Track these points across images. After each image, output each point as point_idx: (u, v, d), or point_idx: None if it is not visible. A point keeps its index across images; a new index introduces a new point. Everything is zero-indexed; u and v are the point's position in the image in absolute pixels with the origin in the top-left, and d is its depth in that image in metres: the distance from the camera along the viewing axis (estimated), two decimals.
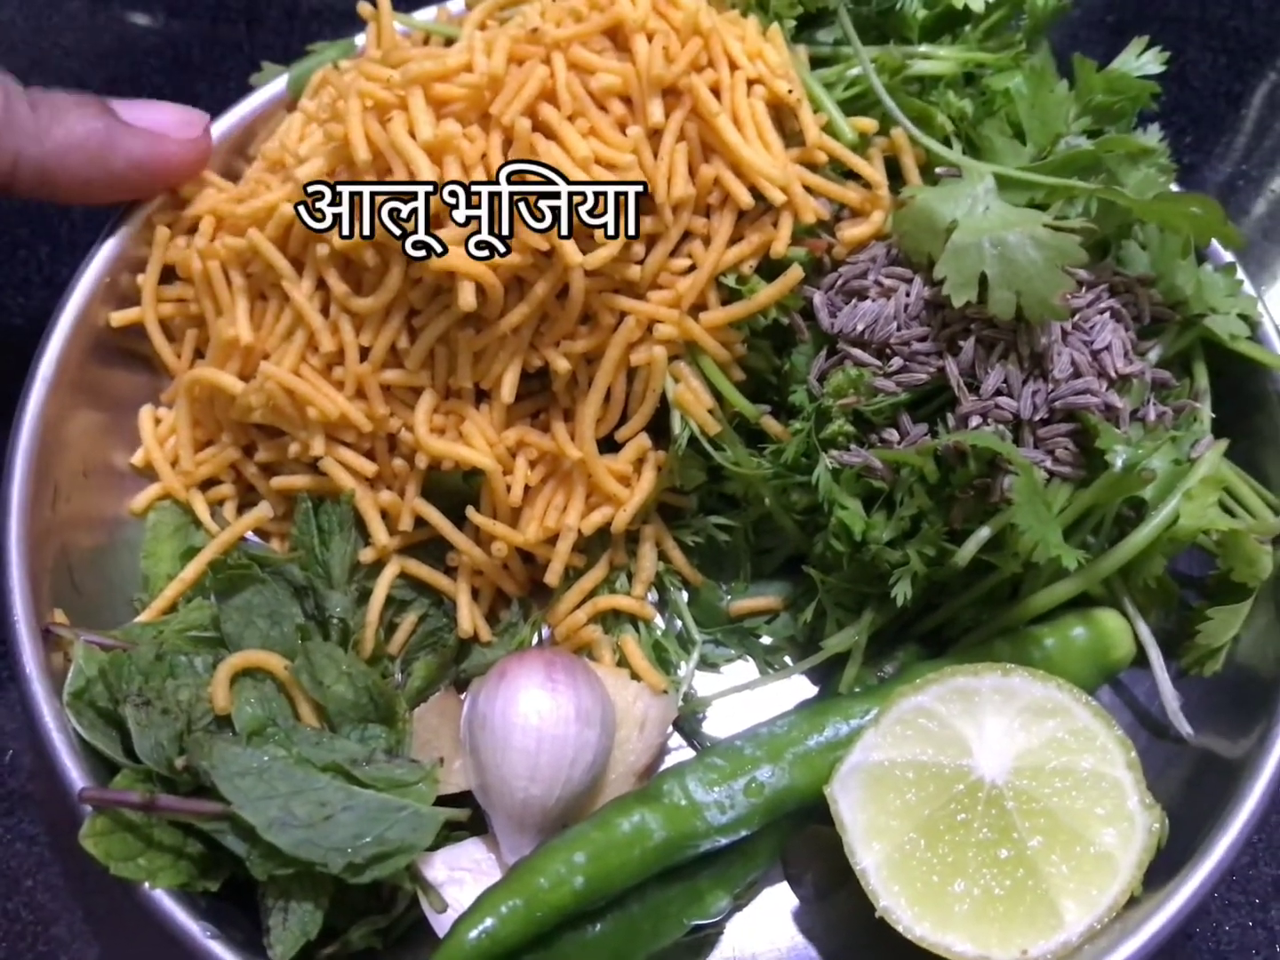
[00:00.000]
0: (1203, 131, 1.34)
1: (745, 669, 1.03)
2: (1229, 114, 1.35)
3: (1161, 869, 0.85)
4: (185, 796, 0.84)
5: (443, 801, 0.87)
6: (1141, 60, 1.03)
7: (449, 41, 1.04)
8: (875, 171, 0.97)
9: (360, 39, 1.10)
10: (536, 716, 0.87)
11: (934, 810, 0.86)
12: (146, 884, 0.82)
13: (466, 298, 0.89)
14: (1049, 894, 0.83)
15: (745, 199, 0.93)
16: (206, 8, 1.38)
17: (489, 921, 0.82)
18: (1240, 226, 1.28)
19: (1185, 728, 0.94)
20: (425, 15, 1.10)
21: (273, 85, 1.10)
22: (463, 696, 0.95)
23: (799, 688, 1.01)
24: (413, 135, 0.90)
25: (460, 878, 0.88)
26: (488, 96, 0.91)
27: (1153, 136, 1.02)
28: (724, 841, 0.88)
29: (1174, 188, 1.02)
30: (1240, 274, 1.01)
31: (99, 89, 1.31)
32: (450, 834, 0.89)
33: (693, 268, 0.95)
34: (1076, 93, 1.01)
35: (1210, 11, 1.40)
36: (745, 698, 1.00)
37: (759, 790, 0.88)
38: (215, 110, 1.10)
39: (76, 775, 0.84)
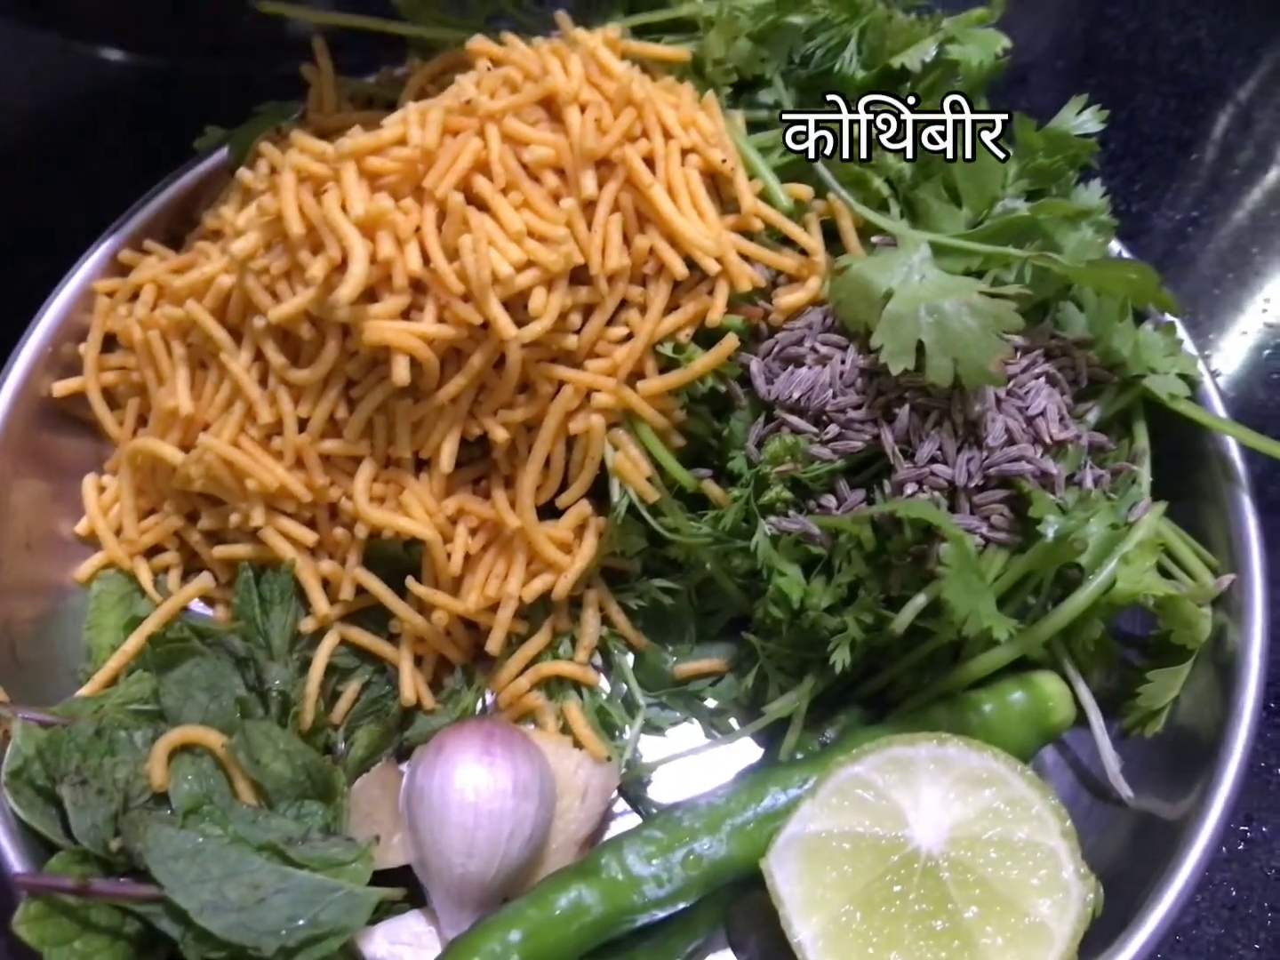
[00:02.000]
0: (1152, 178, 1.33)
1: (691, 731, 1.03)
2: (1179, 159, 1.35)
3: (1099, 936, 0.85)
4: (122, 876, 0.84)
5: (382, 876, 0.88)
6: (1081, 118, 1.03)
7: (392, 104, 1.04)
8: (811, 238, 0.97)
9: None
10: (473, 792, 0.87)
11: (870, 882, 0.86)
12: None
13: (400, 373, 0.89)
14: None
15: (680, 269, 0.93)
16: (165, 52, 1.38)
17: None
18: (1189, 275, 1.28)
19: (1126, 790, 0.94)
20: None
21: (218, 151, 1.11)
22: (403, 767, 0.96)
23: (744, 750, 1.00)
24: (346, 210, 0.90)
25: (399, 953, 0.88)
26: (421, 169, 0.91)
27: (1094, 193, 1.02)
28: (661, 914, 0.88)
29: (1115, 245, 1.03)
30: (1181, 333, 1.01)
31: (55, 138, 1.33)
32: (391, 906, 0.90)
33: (629, 336, 0.95)
34: (1016, 152, 1.01)
35: (1159, 56, 1.41)
36: (690, 761, 1.00)
37: (697, 863, 0.88)
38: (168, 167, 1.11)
39: (13, 858, 0.84)
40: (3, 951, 0.97)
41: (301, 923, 0.82)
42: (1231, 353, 1.24)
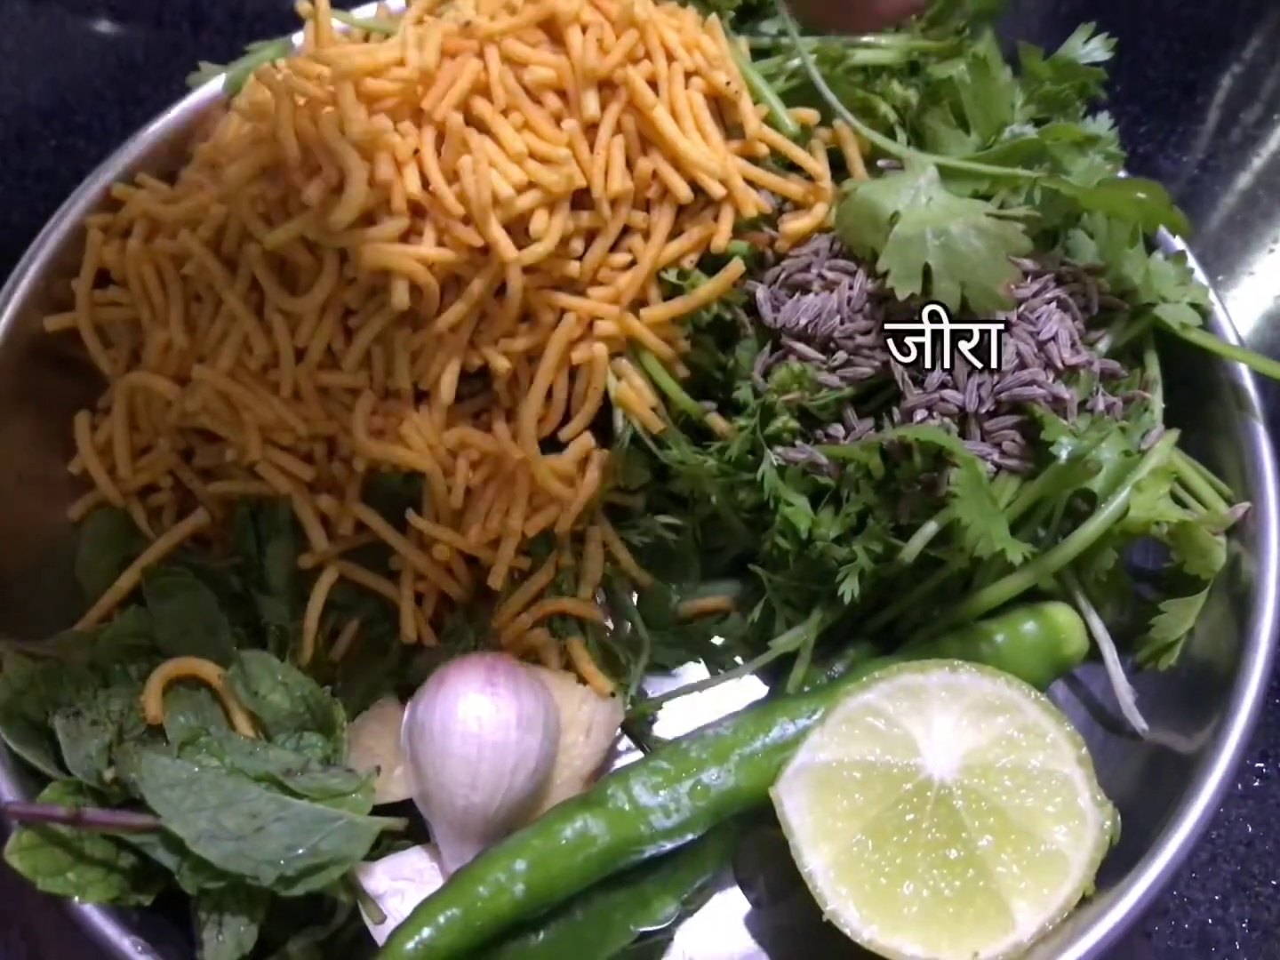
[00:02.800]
0: (1157, 121, 1.32)
1: (696, 670, 1.01)
2: (1183, 103, 1.34)
3: (1115, 867, 0.83)
4: (116, 808, 0.82)
5: (383, 810, 0.86)
6: (1089, 47, 1.02)
7: (389, 38, 1.03)
8: (817, 163, 0.96)
9: (300, 38, 1.09)
10: (476, 723, 0.85)
11: (882, 811, 0.84)
12: (75, 899, 0.80)
13: (400, 296, 0.87)
14: (1000, 894, 0.82)
15: (684, 192, 0.91)
16: (150, 9, 1.36)
17: (426, 932, 0.80)
18: (1196, 216, 1.27)
19: (1140, 723, 0.92)
20: (366, 12, 1.08)
21: (211, 86, 1.09)
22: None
23: (750, 688, 0.99)
24: (343, 132, 0.88)
25: (401, 888, 0.86)
26: (420, 91, 0.89)
27: (1102, 125, 1.01)
28: (669, 846, 0.86)
29: (1123, 175, 1.01)
30: (1191, 262, 1.00)
31: (41, 91, 1.32)
32: (393, 843, 0.88)
33: (633, 263, 0.93)
34: (1023, 81, 1.00)
35: (1163, 0, 1.39)
36: (696, 699, 0.98)
37: (704, 793, 0.87)
38: (158, 112, 1.10)
39: (4, 788, 0.82)
40: None
41: (301, 852, 0.80)
42: (1240, 294, 1.22)
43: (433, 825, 0.87)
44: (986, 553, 0.84)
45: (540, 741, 0.87)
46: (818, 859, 0.83)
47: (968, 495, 0.84)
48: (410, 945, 0.79)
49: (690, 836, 0.86)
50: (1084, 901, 0.82)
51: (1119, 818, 0.85)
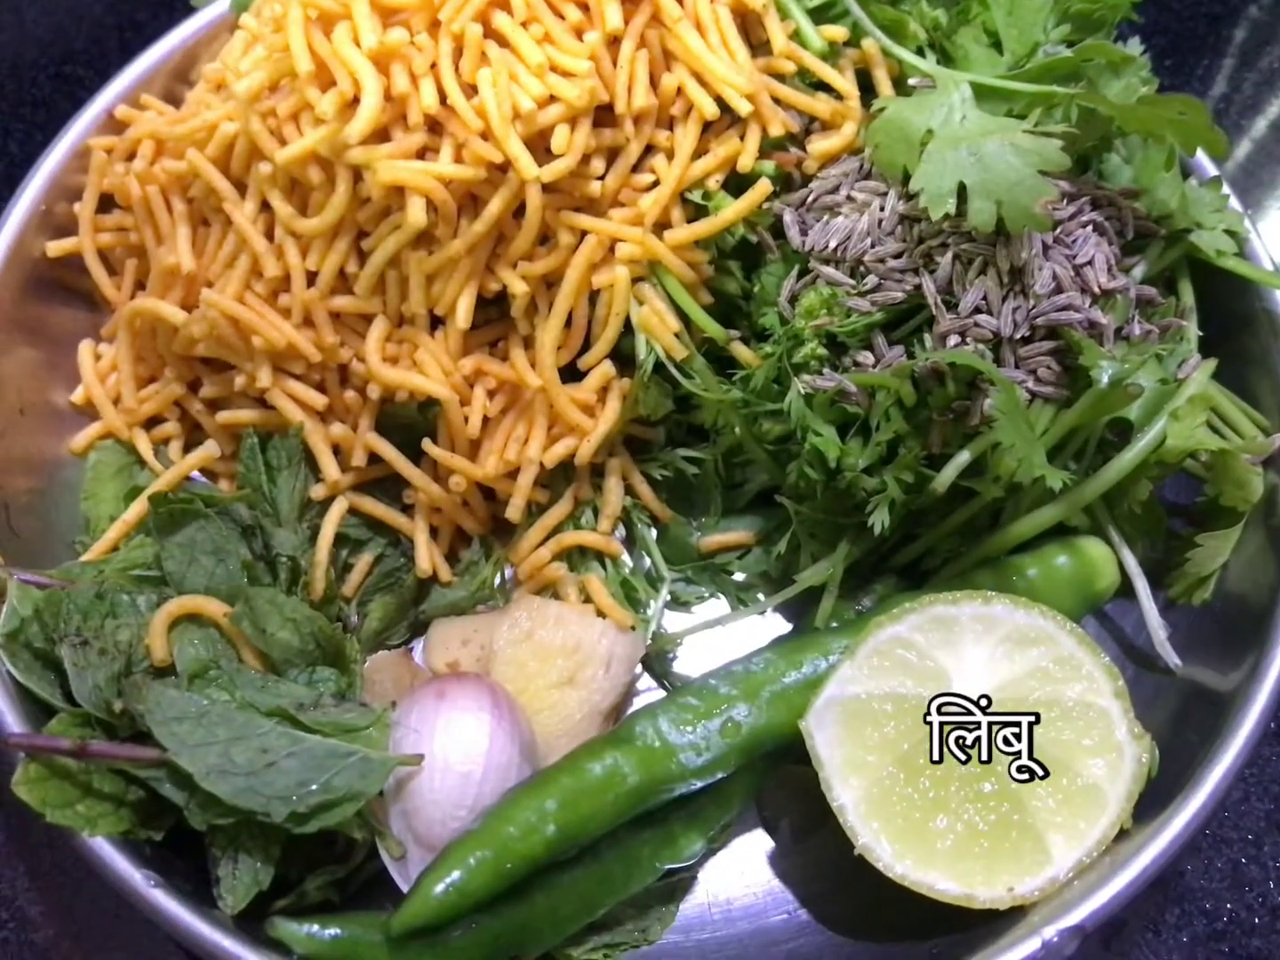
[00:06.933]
0: (1183, 55, 1.29)
1: (717, 607, 0.98)
2: (1210, 36, 1.31)
3: (1151, 802, 0.82)
4: (124, 741, 0.80)
5: None
6: None
7: None
8: (846, 82, 0.93)
9: None
10: (482, 741, 0.82)
11: (914, 744, 0.82)
12: (85, 831, 0.77)
13: (416, 213, 0.84)
14: (1035, 828, 0.80)
15: (710, 109, 0.88)
16: None
17: (456, 874, 0.77)
18: None
19: (1173, 658, 0.90)
20: None
21: (214, 9, 1.06)
22: (416, 656, 0.92)
23: (773, 625, 0.96)
24: (358, 44, 0.85)
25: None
26: (437, 3, 0.86)
27: (1134, 49, 0.98)
28: (699, 784, 0.84)
29: None
30: (1226, 189, 0.97)
31: (38, 18, 1.28)
32: None
33: (656, 183, 0.90)
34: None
35: None
36: (717, 636, 0.96)
37: (735, 730, 0.84)
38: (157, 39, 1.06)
39: (11, 720, 0.80)
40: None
41: (314, 788, 0.77)
42: (1269, 228, 1.19)
43: (405, 840, 0.83)
44: (1026, 477, 0.82)
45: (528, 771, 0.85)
46: (848, 792, 0.81)
47: (1007, 418, 0.81)
48: (440, 888, 0.77)
49: (720, 775, 0.84)
50: (1121, 835, 0.80)
51: (1157, 751, 0.82)
